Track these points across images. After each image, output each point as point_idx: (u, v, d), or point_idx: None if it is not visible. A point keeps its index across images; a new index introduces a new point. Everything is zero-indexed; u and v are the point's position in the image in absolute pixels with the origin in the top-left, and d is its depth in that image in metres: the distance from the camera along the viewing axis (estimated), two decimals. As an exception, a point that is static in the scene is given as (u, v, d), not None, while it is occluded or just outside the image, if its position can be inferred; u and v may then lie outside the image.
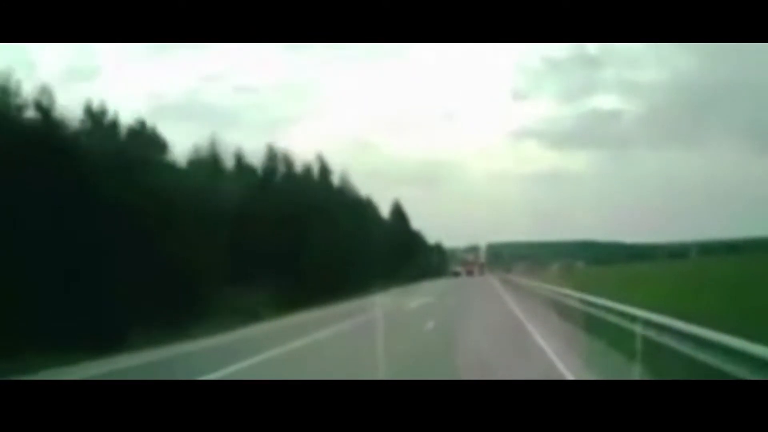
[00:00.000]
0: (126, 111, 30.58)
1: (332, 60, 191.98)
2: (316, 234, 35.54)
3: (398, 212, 78.80)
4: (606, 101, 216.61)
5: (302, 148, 41.98)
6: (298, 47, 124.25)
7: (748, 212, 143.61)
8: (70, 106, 20.80)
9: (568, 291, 18.94)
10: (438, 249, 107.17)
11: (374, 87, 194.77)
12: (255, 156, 37.17)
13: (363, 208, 58.01)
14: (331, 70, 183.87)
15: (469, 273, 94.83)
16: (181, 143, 39.65)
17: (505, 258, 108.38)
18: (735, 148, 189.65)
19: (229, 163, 34.49)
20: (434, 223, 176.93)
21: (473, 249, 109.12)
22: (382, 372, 8.64)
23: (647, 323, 9.23)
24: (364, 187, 68.74)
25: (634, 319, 9.87)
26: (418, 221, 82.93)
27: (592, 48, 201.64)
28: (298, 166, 42.28)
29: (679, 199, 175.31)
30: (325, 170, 49.24)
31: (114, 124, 25.26)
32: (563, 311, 17.30)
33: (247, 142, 46.76)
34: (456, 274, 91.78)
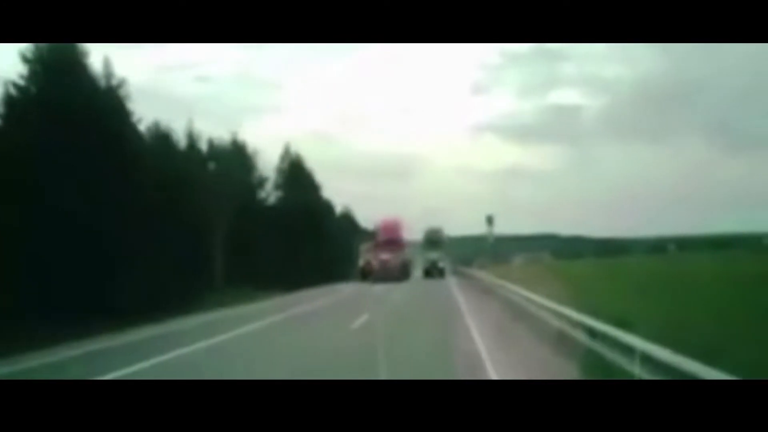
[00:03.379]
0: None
1: (293, 54, 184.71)
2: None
3: (296, 168, 48.00)
4: (567, 96, 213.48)
5: (262, 141, 34.87)
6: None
7: (728, 207, 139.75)
8: None
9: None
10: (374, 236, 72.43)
11: (335, 81, 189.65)
12: None
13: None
14: (292, 63, 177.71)
15: (384, 275, 40.61)
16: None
17: (464, 251, 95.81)
18: (701, 144, 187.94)
19: None
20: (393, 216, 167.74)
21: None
22: None
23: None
24: (323, 180, 53.96)
25: None
26: (377, 214, 65.96)
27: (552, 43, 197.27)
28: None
29: (648, 193, 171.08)
30: None
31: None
32: None
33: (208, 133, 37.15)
34: (365, 275, 43.17)
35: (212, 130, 39.85)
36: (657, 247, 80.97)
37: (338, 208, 66.94)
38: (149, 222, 25.53)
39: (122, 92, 25.31)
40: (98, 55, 24.98)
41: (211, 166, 36.71)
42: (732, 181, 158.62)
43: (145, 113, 30.69)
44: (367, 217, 76.48)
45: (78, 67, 22.94)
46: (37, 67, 22.29)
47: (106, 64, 24.95)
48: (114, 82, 25.06)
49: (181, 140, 36.08)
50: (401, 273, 42.60)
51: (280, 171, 47.49)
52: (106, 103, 23.89)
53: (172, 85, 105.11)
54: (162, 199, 27.20)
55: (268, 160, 45.22)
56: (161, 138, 33.90)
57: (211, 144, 37.94)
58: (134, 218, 24.22)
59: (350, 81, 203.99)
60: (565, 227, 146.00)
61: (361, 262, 45.50)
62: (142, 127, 29.43)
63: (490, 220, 48.13)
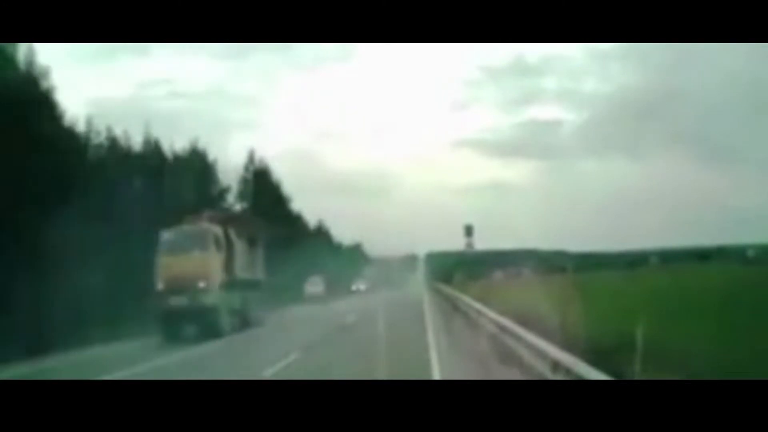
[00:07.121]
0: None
1: (270, 70, 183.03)
2: None
3: (261, 178, 43.39)
4: (546, 111, 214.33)
5: (238, 157, 34.27)
6: (237, 55, 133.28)
7: (710, 219, 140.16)
8: None
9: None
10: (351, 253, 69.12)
11: (313, 98, 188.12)
12: None
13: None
14: (270, 80, 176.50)
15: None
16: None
17: (445, 267, 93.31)
18: (682, 157, 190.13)
19: None
20: (373, 234, 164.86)
21: (411, 259, 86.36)
22: None
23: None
24: (300, 197, 50.42)
25: None
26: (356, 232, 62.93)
27: (531, 58, 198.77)
28: None
29: (629, 207, 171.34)
30: None
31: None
32: None
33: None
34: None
35: (186, 145, 36.73)
36: (639, 260, 79.83)
37: (312, 224, 64.18)
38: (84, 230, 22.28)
39: (46, 83, 22.29)
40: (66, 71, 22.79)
41: (165, 174, 33.38)
42: (714, 193, 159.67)
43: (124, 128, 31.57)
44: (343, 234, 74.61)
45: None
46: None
47: (29, 52, 21.95)
48: (36, 71, 22.04)
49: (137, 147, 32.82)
50: None
51: (245, 181, 43.45)
52: (26, 94, 20.81)
53: (148, 101, 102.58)
54: (103, 208, 23.99)
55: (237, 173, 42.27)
56: (110, 142, 30.80)
57: (157, 147, 34.31)
58: (65, 226, 21.01)
59: (328, 98, 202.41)
60: (545, 242, 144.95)
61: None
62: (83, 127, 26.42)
63: (468, 231, 44.81)
